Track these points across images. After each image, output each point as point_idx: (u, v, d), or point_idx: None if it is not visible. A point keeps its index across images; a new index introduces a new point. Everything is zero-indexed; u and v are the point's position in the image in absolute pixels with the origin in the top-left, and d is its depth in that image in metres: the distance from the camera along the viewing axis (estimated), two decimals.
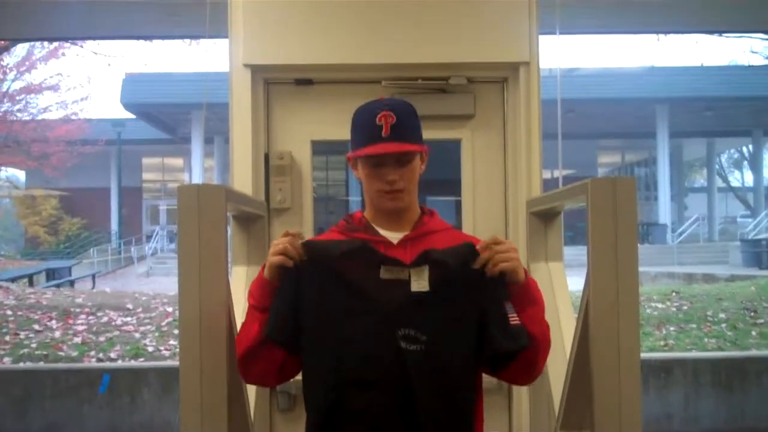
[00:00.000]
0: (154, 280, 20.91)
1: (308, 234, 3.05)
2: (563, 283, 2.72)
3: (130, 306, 9.09)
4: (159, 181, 34.32)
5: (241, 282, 2.74)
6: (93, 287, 16.78)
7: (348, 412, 1.82)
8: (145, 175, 33.76)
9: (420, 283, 1.83)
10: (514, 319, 1.82)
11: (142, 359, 7.55)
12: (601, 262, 1.91)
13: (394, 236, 2.01)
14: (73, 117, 24.72)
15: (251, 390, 2.57)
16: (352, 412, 1.82)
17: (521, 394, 2.95)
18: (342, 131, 3.12)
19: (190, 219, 1.92)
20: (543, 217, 2.81)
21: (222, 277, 1.99)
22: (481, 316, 1.83)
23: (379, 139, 1.95)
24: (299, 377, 1.97)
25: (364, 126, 2.00)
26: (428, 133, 2.10)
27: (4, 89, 22.58)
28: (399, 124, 1.96)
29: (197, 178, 25.31)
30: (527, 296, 1.90)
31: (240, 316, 2.45)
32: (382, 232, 2.02)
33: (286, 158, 3.06)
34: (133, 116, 25.12)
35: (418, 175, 2.03)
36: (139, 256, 26.23)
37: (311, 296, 1.84)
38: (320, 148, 3.23)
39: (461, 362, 1.85)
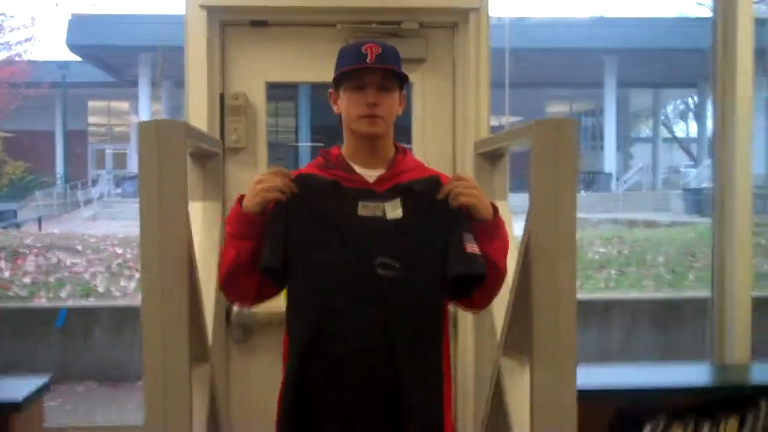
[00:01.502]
0: (100, 224, 20.72)
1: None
2: (508, 219, 2.85)
3: (79, 247, 9.08)
4: (105, 125, 33.77)
5: (197, 217, 2.82)
6: (39, 230, 16.60)
7: (329, 335, 1.97)
8: (91, 119, 33.19)
9: (395, 212, 2.00)
10: (471, 248, 1.98)
11: (92, 299, 7.60)
12: (542, 196, 2.04)
13: (370, 174, 2.13)
14: (17, 59, 24.14)
15: (208, 322, 2.68)
16: (333, 335, 1.97)
17: (467, 322, 3.10)
18: (296, 73, 3.22)
19: (150, 154, 2.00)
20: (489, 158, 2.93)
21: (182, 211, 2.07)
22: (444, 245, 2.00)
23: (364, 62, 2.06)
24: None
25: (350, 54, 2.10)
26: None
27: None
28: (384, 54, 2.08)
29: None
30: (492, 231, 2.07)
31: (198, 250, 2.55)
32: (359, 170, 2.13)
33: (241, 99, 3.13)
34: (78, 58, 24.63)
35: (395, 110, 2.14)
36: (86, 200, 25.93)
37: (296, 229, 1.99)
38: (270, 94, 3.29)
39: (431, 287, 2.02)
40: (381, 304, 1.96)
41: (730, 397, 3.13)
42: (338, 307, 1.98)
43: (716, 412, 3.02)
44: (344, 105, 2.12)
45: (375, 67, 2.07)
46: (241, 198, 2.05)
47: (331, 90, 2.17)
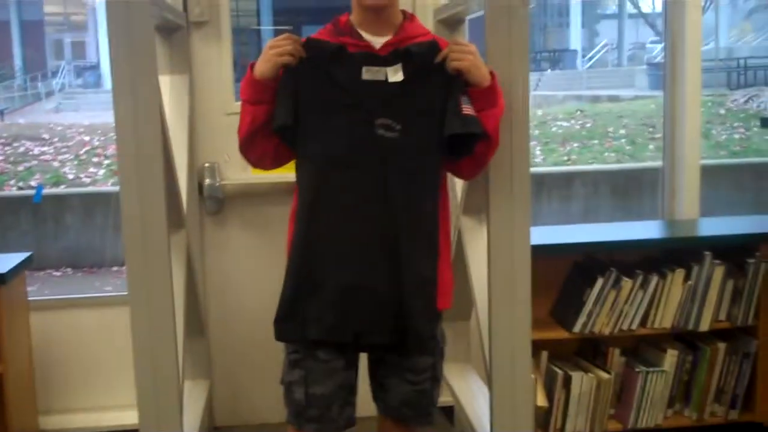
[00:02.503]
0: (63, 116, 20.46)
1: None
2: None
3: (46, 136, 9.07)
4: (61, 14, 32.86)
5: (166, 90, 2.89)
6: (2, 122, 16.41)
7: (334, 187, 2.11)
8: (47, 8, 32.25)
9: (396, 75, 2.09)
10: (467, 110, 2.07)
11: (63, 186, 7.65)
12: (496, 58, 2.17)
13: (377, 41, 2.21)
14: None
15: (182, 192, 2.79)
16: (338, 187, 2.11)
17: None
18: None
19: (118, 23, 2.06)
20: (448, 24, 3.00)
21: (153, 80, 2.15)
22: (442, 108, 2.10)
23: None
24: None
25: None
26: None
27: None
28: None
29: (101, 8, 24.39)
30: (488, 98, 2.13)
31: (169, 122, 2.64)
32: (366, 36, 2.22)
33: None
34: None
35: None
36: (47, 91, 25.46)
37: (304, 91, 2.10)
38: None
39: (429, 147, 2.12)
40: (381, 161, 2.09)
41: (677, 250, 3.32)
42: (341, 163, 2.10)
43: (664, 266, 3.21)
44: None
45: None
46: (252, 65, 2.13)
47: None
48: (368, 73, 2.09)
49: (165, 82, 2.89)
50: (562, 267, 3.32)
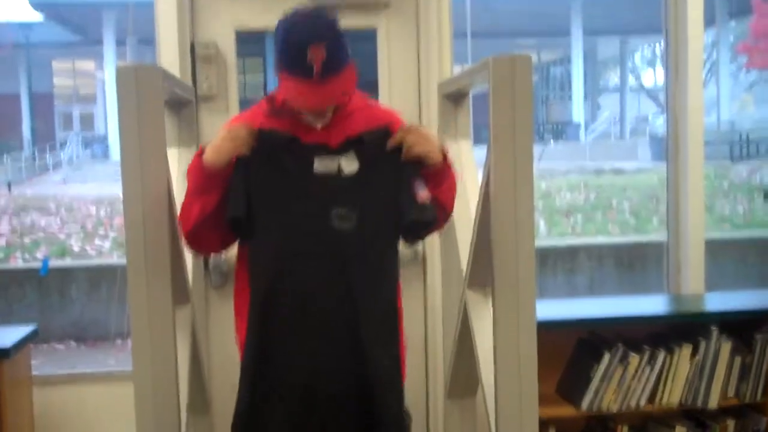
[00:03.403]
0: (71, 187, 20.61)
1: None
2: (470, 159, 2.97)
3: (52, 208, 9.11)
4: (71, 86, 33.31)
5: (173, 163, 2.90)
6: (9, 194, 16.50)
7: (290, 279, 2.08)
8: (56, 80, 32.71)
9: (351, 167, 2.08)
10: (422, 195, 2.08)
11: (68, 259, 7.65)
12: (500, 130, 2.17)
13: (316, 120, 2.20)
14: None
15: (188, 266, 2.78)
16: (294, 278, 2.08)
17: (434, 261, 3.24)
18: (264, 19, 3.27)
19: (128, 97, 2.08)
20: (453, 98, 3.03)
21: (162, 153, 2.16)
22: (396, 193, 2.09)
23: (309, 77, 2.04)
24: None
25: (294, 57, 2.06)
26: (345, 22, 2.24)
27: None
28: (330, 59, 2.04)
29: (111, 80, 24.69)
30: (442, 174, 2.16)
31: (177, 195, 2.65)
32: (304, 116, 2.20)
33: (212, 48, 3.21)
34: (40, 18, 24.21)
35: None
36: (55, 163, 25.66)
37: (258, 182, 2.08)
38: (238, 49, 3.34)
39: (385, 235, 2.13)
40: (339, 251, 2.07)
41: (683, 325, 3.30)
42: (297, 255, 2.08)
43: (671, 341, 3.19)
44: (291, 89, 2.11)
45: (321, 106, 2.13)
46: (200, 153, 2.11)
47: (279, 73, 2.14)
48: (321, 165, 2.07)
49: (173, 155, 2.91)
50: (568, 342, 3.29)
